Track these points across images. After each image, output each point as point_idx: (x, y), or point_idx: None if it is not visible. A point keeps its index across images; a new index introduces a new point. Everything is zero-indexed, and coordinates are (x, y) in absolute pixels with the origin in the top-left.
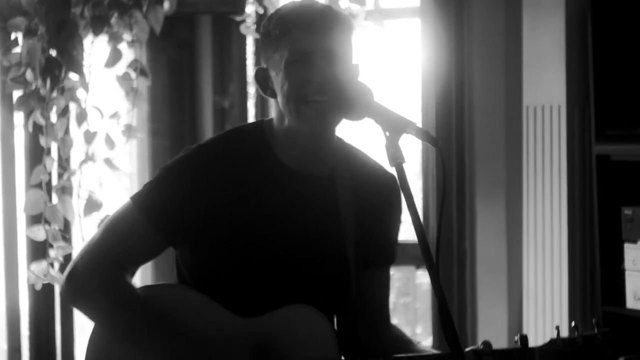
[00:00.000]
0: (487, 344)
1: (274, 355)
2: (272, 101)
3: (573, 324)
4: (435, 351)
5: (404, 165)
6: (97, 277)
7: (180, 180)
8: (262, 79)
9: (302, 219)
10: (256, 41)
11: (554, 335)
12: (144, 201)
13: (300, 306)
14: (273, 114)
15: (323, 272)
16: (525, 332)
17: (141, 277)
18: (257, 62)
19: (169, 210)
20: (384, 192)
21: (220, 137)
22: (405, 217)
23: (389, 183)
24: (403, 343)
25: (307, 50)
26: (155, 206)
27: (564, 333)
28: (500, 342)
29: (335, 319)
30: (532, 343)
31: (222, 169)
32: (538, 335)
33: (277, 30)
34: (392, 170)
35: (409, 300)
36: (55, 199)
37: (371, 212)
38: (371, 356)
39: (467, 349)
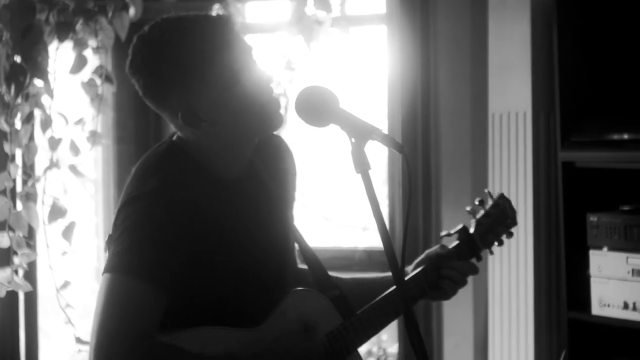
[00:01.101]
0: (442, 246)
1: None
2: (171, 125)
3: (477, 201)
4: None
5: (370, 172)
6: (140, 355)
7: (152, 232)
8: (192, 117)
9: (252, 218)
10: (154, 84)
11: (473, 219)
12: (129, 266)
13: (298, 291)
14: (188, 134)
15: (283, 255)
16: (490, 338)
17: None
18: (161, 104)
19: (162, 265)
20: (282, 156)
21: (157, 173)
22: (372, 223)
23: (282, 145)
24: (343, 283)
25: (238, 68)
26: (147, 268)
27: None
28: (465, 348)
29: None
30: (496, 345)
31: (182, 204)
32: (504, 341)
33: (196, 62)
34: (357, 177)
35: None
36: (19, 205)
37: (282, 179)
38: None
39: (426, 255)
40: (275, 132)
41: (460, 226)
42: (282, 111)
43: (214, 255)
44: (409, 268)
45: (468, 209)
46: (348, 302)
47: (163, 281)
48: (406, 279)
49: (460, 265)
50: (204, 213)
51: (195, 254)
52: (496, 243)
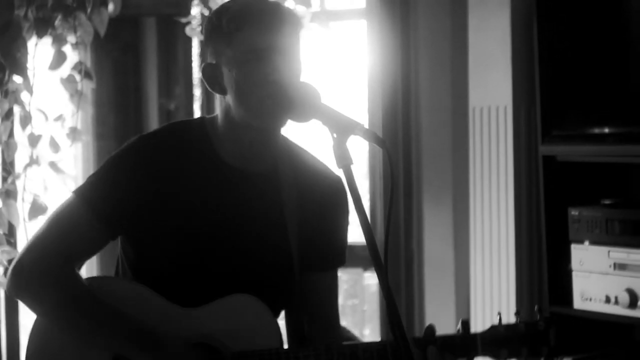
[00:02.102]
0: (430, 327)
1: (214, 345)
2: (218, 97)
3: (515, 310)
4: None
5: (352, 167)
6: (45, 270)
7: (122, 172)
8: (211, 75)
9: (241, 213)
10: (204, 35)
11: (496, 322)
12: (86, 193)
13: (241, 295)
14: (218, 109)
15: (264, 266)
16: (472, 329)
17: (86, 271)
18: (202, 57)
19: (111, 200)
20: (329, 193)
21: (164, 130)
22: (353, 218)
23: (335, 184)
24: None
25: (262, 48)
26: (97, 197)
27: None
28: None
29: (284, 313)
30: (479, 321)
31: (164, 162)
32: None
33: (230, 26)
34: (339, 172)
35: (357, 302)
36: None
37: (315, 212)
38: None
39: (411, 337)
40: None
41: (461, 320)
42: (282, 113)
43: (175, 224)
44: None
45: (498, 312)
46: (305, 339)
47: (104, 215)
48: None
49: (433, 354)
50: (184, 184)
51: (155, 214)
52: None
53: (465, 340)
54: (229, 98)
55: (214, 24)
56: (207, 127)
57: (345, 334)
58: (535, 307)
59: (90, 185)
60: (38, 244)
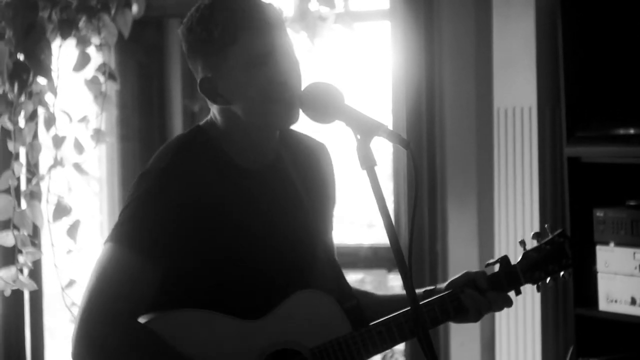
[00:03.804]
0: (482, 274)
1: (292, 347)
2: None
3: (533, 233)
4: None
5: (376, 168)
6: (114, 327)
7: (157, 207)
8: (209, 88)
9: (269, 210)
10: (189, 48)
11: (523, 250)
12: (130, 239)
13: (304, 291)
14: (216, 115)
15: (303, 255)
16: (497, 335)
17: None
18: (193, 71)
19: (158, 238)
20: (322, 164)
21: (175, 153)
22: (378, 220)
23: (323, 151)
24: (362, 295)
25: (263, 53)
26: (143, 239)
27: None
28: (472, 346)
29: None
30: (503, 342)
31: (191, 184)
32: (511, 338)
33: (224, 39)
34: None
35: None
36: (24, 204)
37: (316, 185)
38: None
39: (461, 278)
40: (291, 127)
41: (502, 255)
42: (295, 110)
43: (217, 242)
44: (442, 286)
45: (520, 240)
46: (364, 314)
47: (158, 256)
48: (430, 300)
49: (491, 295)
50: (215, 198)
51: (196, 237)
52: (548, 280)
53: (509, 275)
54: (236, 108)
55: (202, 37)
56: (209, 134)
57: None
58: (545, 225)
59: (128, 229)
60: (99, 303)
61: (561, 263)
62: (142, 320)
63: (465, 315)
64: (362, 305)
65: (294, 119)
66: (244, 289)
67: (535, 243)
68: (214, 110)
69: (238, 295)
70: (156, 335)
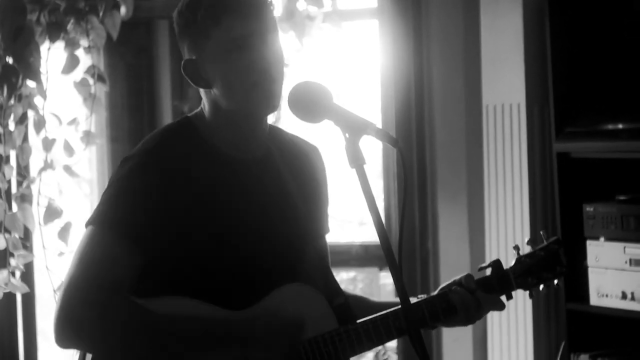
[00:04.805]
0: (469, 276)
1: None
2: (202, 90)
3: (527, 240)
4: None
5: (365, 167)
6: (96, 308)
7: (137, 190)
8: (192, 70)
9: (255, 200)
10: (177, 31)
11: (516, 255)
12: (109, 221)
13: (292, 285)
14: (204, 103)
15: (289, 249)
16: (489, 330)
17: None
18: (177, 53)
19: (137, 220)
20: (314, 164)
21: (158, 139)
22: (368, 218)
23: (315, 153)
24: (358, 300)
25: (244, 35)
26: (122, 221)
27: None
28: (465, 342)
29: None
30: (495, 338)
31: (172, 170)
32: (503, 334)
33: (207, 21)
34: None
35: None
36: (14, 207)
37: (308, 185)
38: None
39: (449, 284)
40: (269, 114)
41: (494, 259)
42: (277, 96)
43: (202, 228)
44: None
45: (514, 245)
46: (352, 312)
47: (138, 239)
48: (419, 301)
49: (480, 295)
50: (200, 183)
51: (180, 222)
52: (541, 287)
53: (501, 279)
54: (216, 91)
55: (188, 19)
56: (196, 124)
57: (351, 293)
58: (541, 232)
59: (108, 212)
60: (79, 285)
61: (555, 270)
62: None
63: (454, 316)
64: (352, 306)
65: (271, 106)
66: (228, 278)
67: (529, 249)
68: (203, 100)
69: (223, 284)
70: (145, 306)
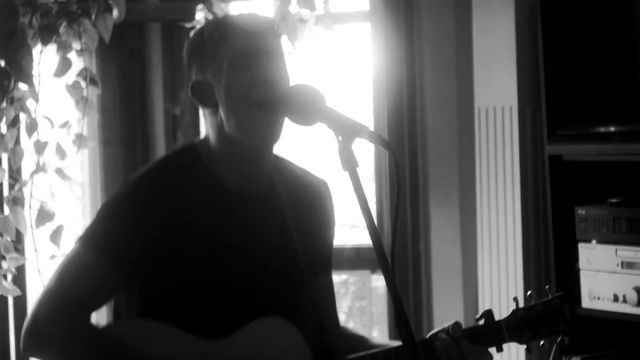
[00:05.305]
0: (457, 324)
1: None
2: (207, 116)
3: (528, 293)
4: (386, 345)
5: (358, 170)
6: (59, 324)
7: (126, 214)
8: (200, 92)
9: (249, 235)
10: (186, 57)
11: (514, 307)
12: (93, 239)
13: (269, 319)
14: (209, 130)
15: (280, 283)
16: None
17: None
18: (187, 78)
19: (119, 242)
20: (320, 199)
21: (157, 165)
22: (360, 221)
23: (324, 189)
24: (358, 340)
25: (249, 52)
26: (105, 241)
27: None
28: None
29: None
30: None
31: (165, 197)
32: None
33: (213, 38)
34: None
35: (365, 304)
36: (6, 210)
37: (311, 220)
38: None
39: (438, 332)
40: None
41: (487, 309)
42: (280, 123)
43: (188, 256)
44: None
45: (514, 297)
46: (332, 352)
47: (119, 261)
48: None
49: (464, 345)
50: (190, 214)
51: (165, 249)
52: (541, 343)
53: (491, 330)
54: (221, 112)
55: (196, 43)
56: (199, 152)
57: (349, 332)
58: (547, 287)
59: (95, 231)
60: (50, 298)
61: (556, 327)
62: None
63: None
64: (339, 342)
65: (274, 131)
66: (208, 309)
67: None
68: (208, 127)
69: (202, 314)
70: (105, 332)
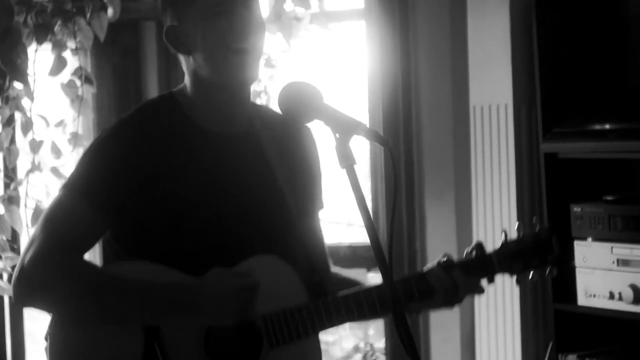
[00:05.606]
0: (448, 256)
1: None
2: (184, 61)
3: (517, 225)
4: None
5: (355, 167)
6: (53, 265)
7: (106, 156)
8: (174, 37)
9: (230, 175)
10: (161, 33)
11: (504, 240)
12: (75, 184)
13: (263, 256)
14: (185, 75)
15: (266, 223)
16: (477, 331)
17: None
18: (162, 20)
19: (101, 184)
20: (301, 140)
21: (137, 112)
22: (357, 219)
23: (305, 131)
24: (350, 283)
25: (225, 4)
26: (87, 185)
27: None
28: (453, 342)
29: None
30: (483, 338)
31: (147, 140)
32: (491, 334)
33: None
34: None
35: None
36: (2, 209)
37: (294, 160)
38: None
39: (432, 264)
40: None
41: (475, 242)
42: (255, 65)
43: (172, 195)
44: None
45: (502, 229)
46: (325, 290)
47: (102, 203)
48: (395, 279)
49: (457, 275)
50: (171, 155)
51: (148, 189)
52: (530, 275)
53: (483, 261)
54: (196, 57)
55: None
56: (177, 99)
57: (340, 276)
58: (534, 219)
59: (78, 176)
60: (38, 244)
61: (545, 258)
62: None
63: (432, 297)
64: (330, 286)
65: (251, 73)
66: (199, 245)
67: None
68: (185, 73)
69: (193, 251)
70: (96, 267)
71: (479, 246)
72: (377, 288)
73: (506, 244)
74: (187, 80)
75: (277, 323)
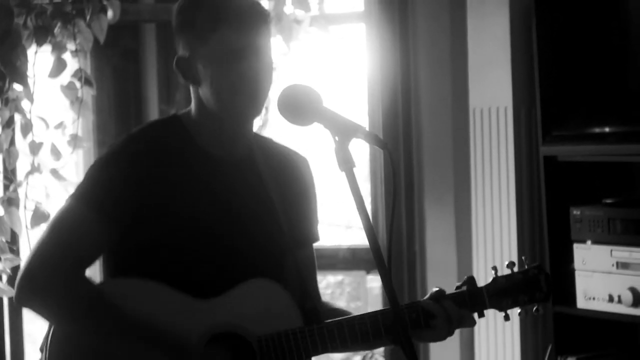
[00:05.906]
0: (440, 289)
1: (238, 332)
2: (191, 87)
3: (507, 263)
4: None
5: (354, 170)
6: (57, 275)
7: (116, 171)
8: (184, 67)
9: (232, 199)
10: (175, 25)
11: (494, 275)
12: (84, 196)
13: (258, 280)
14: (192, 104)
15: (263, 248)
16: (476, 333)
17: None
18: (173, 47)
19: (109, 198)
20: (299, 172)
21: (145, 128)
22: (356, 221)
23: (303, 163)
24: (340, 313)
25: (239, 48)
26: (97, 197)
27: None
28: (452, 344)
29: None
30: (482, 341)
31: (152, 158)
32: (490, 337)
33: (205, 26)
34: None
35: (360, 305)
36: (1, 210)
37: (291, 191)
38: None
39: (424, 299)
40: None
41: (467, 277)
42: (262, 103)
43: (174, 215)
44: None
45: (493, 266)
46: (319, 317)
47: (108, 215)
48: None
49: (450, 307)
50: (175, 175)
51: (155, 207)
52: (518, 310)
53: (473, 295)
54: (204, 90)
55: (187, 20)
56: (182, 121)
57: (330, 305)
58: (523, 257)
59: (85, 188)
60: (44, 252)
61: (533, 296)
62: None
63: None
64: (322, 315)
65: (255, 111)
66: (197, 265)
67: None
68: (193, 99)
69: (191, 271)
70: (98, 289)
71: (471, 280)
72: (374, 313)
73: (496, 279)
74: (193, 105)
75: (272, 345)
